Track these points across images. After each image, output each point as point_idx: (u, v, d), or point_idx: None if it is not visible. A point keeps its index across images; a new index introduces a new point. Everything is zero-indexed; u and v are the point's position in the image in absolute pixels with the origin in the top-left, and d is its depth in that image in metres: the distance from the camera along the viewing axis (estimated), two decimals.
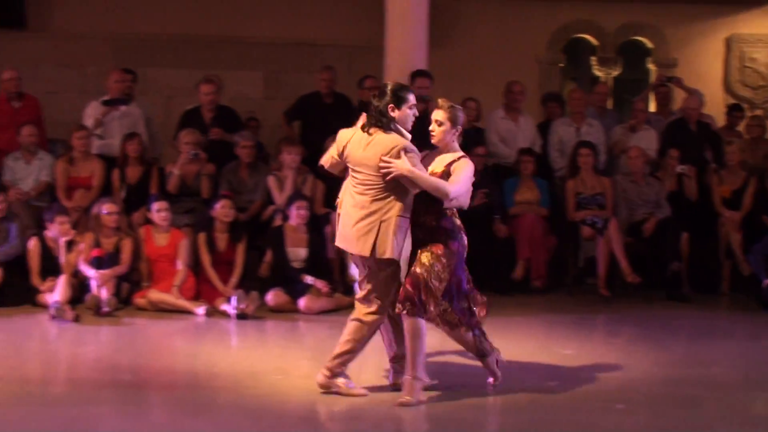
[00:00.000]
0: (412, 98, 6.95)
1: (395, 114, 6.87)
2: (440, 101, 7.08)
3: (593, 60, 15.23)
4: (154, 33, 14.38)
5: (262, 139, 12.47)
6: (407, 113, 6.91)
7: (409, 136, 6.93)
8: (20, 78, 12.10)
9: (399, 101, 6.88)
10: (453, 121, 6.97)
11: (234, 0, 14.53)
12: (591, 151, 11.74)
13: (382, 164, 6.75)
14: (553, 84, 14.81)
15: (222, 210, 10.47)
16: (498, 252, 11.47)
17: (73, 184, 11.33)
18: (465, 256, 7.12)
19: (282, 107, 13.06)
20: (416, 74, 11.41)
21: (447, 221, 6.98)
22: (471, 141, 11.68)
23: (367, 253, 6.83)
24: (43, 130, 12.02)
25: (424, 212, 6.94)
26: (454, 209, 7.02)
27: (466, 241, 7.09)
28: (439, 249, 6.91)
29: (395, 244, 6.81)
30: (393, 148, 6.76)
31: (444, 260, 6.92)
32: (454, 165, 6.98)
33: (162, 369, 8.15)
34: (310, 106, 12.36)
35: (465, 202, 7.07)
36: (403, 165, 6.72)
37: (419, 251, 6.93)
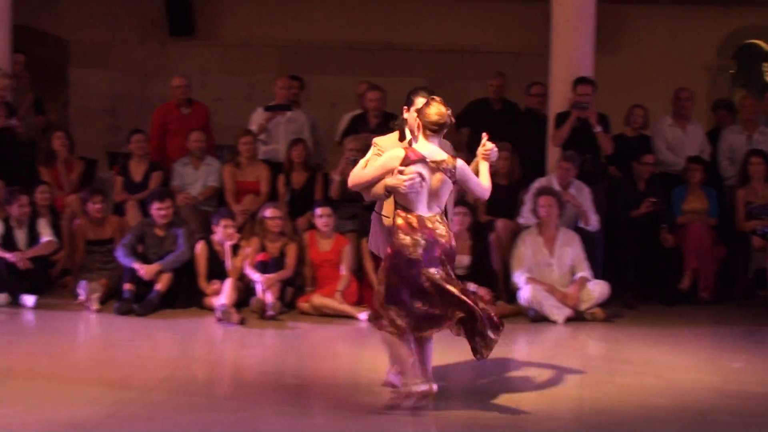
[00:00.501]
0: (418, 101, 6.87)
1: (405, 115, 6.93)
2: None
3: (765, 66, 14.80)
4: (319, 40, 14.54)
5: None
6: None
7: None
8: (189, 85, 12.37)
9: (408, 103, 6.95)
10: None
11: (398, 8, 14.59)
12: (763, 160, 11.40)
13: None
14: (722, 91, 14.46)
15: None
16: (664, 262, 11.22)
17: (240, 188, 11.52)
18: (408, 259, 6.68)
19: None
20: (578, 81, 11.27)
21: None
22: (638, 149, 11.49)
23: None
24: (211, 136, 12.26)
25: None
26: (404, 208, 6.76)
27: (404, 242, 6.68)
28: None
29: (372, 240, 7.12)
30: None
31: (384, 263, 6.79)
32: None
33: (325, 373, 8.19)
34: (479, 113, 12.29)
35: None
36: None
37: None
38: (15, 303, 10.28)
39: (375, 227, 7.08)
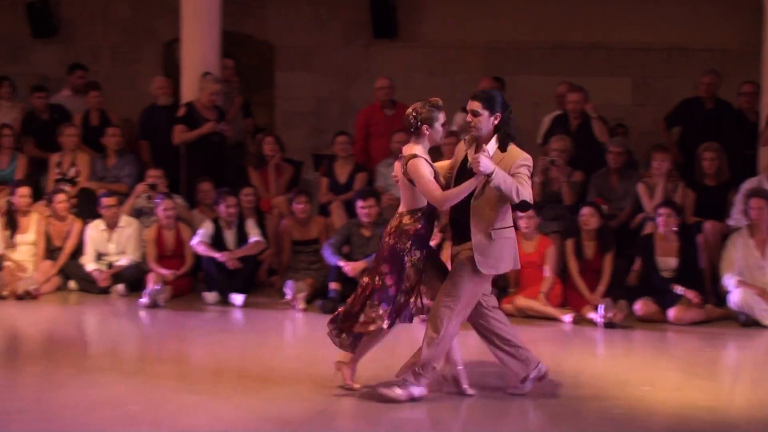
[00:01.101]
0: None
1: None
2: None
3: None
4: (522, 41, 14.44)
5: (631, 145, 12.22)
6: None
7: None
8: (393, 86, 12.48)
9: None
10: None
11: (602, 6, 14.36)
12: None
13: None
14: None
15: (583, 218, 10.34)
16: None
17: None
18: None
19: (651, 114, 12.78)
20: None
21: None
22: None
23: None
24: None
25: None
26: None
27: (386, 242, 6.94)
28: None
29: None
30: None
31: None
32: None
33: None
34: (690, 112, 12.00)
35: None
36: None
37: None
38: (224, 302, 10.57)
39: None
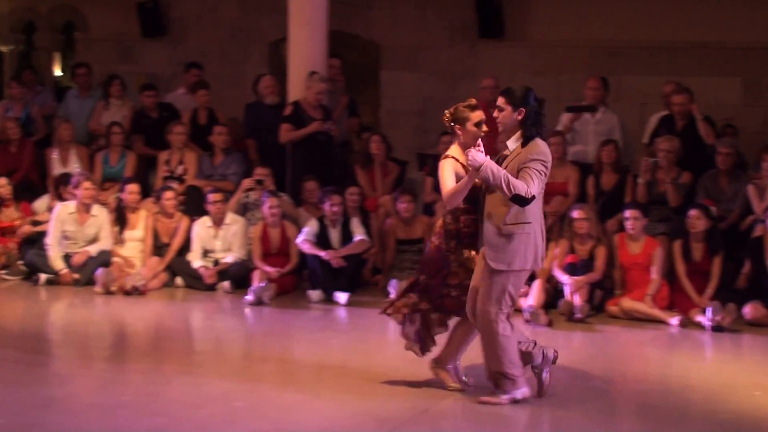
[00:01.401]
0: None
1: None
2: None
3: None
4: (628, 40, 14.27)
5: (740, 146, 11.99)
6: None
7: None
8: (498, 86, 12.38)
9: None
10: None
11: (710, 5, 14.12)
12: None
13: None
14: None
15: (690, 220, 10.17)
16: None
17: (549, 189, 11.39)
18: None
19: (762, 114, 12.56)
20: None
21: None
22: None
23: None
24: None
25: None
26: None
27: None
28: None
29: None
30: None
31: None
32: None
33: (634, 377, 8.07)
34: None
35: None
36: None
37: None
38: (328, 300, 10.62)
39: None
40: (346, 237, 11.00)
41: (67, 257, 11.26)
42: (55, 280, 11.14)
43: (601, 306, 10.22)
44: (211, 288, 11.08)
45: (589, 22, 14.47)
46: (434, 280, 7.05)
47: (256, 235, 11.24)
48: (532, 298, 9.84)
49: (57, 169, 12.59)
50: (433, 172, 11.82)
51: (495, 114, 6.83)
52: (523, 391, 6.86)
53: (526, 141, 6.68)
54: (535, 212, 6.68)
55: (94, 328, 9.59)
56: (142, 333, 9.66)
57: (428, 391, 7.16)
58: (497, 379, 6.85)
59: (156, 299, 10.80)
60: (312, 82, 12.03)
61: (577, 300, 9.85)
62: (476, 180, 6.67)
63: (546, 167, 6.61)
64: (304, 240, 10.88)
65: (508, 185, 6.46)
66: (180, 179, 12.29)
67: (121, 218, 11.49)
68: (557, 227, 10.99)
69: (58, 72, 18.34)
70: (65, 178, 11.94)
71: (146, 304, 10.58)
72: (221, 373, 7.67)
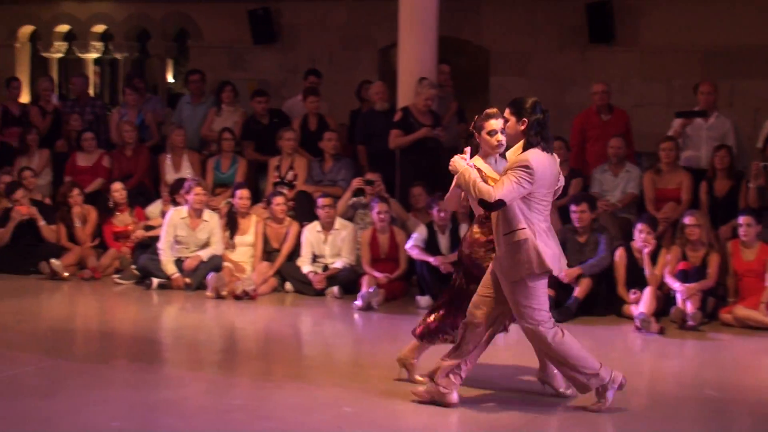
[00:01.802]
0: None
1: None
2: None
3: None
4: (741, 44, 14.02)
5: None
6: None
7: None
8: (609, 91, 12.30)
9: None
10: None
11: None
12: None
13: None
14: None
15: None
16: None
17: (660, 195, 11.30)
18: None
19: None
20: None
21: None
22: None
23: None
24: (630, 143, 12.12)
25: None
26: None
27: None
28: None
29: None
30: None
31: None
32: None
33: (747, 386, 7.90)
34: None
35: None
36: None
37: None
38: None
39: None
40: (455, 243, 10.97)
41: (179, 262, 11.43)
42: (167, 285, 11.33)
43: (713, 314, 10.04)
44: (320, 293, 11.15)
45: (701, 26, 14.25)
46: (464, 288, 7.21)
47: (365, 241, 11.28)
48: (644, 305, 9.72)
49: (169, 175, 12.82)
50: None
51: (502, 126, 6.95)
52: (611, 377, 6.78)
53: (525, 150, 6.71)
54: (530, 216, 6.64)
55: (204, 333, 9.72)
56: (252, 337, 9.76)
57: (539, 399, 7.12)
58: (582, 386, 6.80)
59: (266, 304, 10.90)
60: (421, 88, 12.04)
61: (690, 307, 9.70)
62: None
63: (529, 174, 6.52)
64: (412, 246, 10.90)
65: (474, 188, 6.58)
66: (290, 185, 12.40)
67: (232, 223, 11.64)
68: (669, 234, 10.84)
69: (170, 79, 18.64)
70: (179, 184, 12.14)
71: (256, 308, 10.69)
72: (330, 379, 7.72)
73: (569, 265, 10.25)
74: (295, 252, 11.51)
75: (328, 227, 11.43)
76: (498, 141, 6.95)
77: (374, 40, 15.71)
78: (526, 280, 6.61)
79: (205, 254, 11.42)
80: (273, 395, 7.25)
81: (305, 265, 11.33)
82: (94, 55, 18.40)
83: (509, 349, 8.19)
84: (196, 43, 17.07)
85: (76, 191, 12.31)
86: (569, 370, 6.77)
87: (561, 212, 11.19)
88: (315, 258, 11.41)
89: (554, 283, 10.16)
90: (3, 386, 7.29)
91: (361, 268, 11.27)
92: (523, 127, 6.74)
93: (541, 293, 6.73)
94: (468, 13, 15.26)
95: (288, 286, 11.42)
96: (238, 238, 11.61)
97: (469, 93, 14.93)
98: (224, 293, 10.91)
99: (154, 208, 12.48)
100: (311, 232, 11.46)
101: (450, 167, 6.76)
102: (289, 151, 12.53)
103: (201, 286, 11.21)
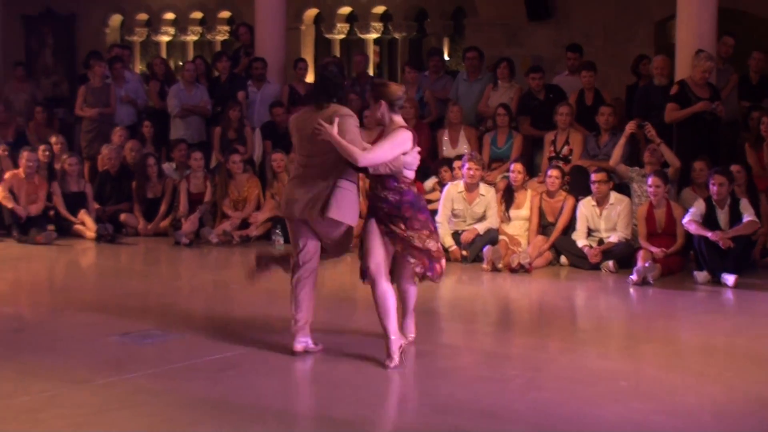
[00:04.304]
0: None
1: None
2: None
3: None
4: None
5: None
6: None
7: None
8: None
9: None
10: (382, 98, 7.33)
11: None
12: None
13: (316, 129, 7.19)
14: None
15: None
16: None
17: None
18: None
19: None
20: None
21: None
22: None
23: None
24: None
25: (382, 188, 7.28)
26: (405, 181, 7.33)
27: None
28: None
29: None
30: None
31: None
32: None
33: None
34: None
35: (385, 169, 7.24)
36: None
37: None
38: (715, 281, 10.42)
39: (351, 195, 7.33)
40: (735, 217, 10.73)
41: (456, 234, 11.68)
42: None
43: None
44: (596, 267, 11.14)
45: None
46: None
47: (641, 215, 11.19)
48: None
49: (447, 151, 13.10)
50: None
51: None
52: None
53: None
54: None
55: (480, 304, 9.93)
56: (526, 310, 9.89)
57: None
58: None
59: (541, 277, 11.00)
60: (699, 61, 11.81)
61: None
62: None
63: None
64: (690, 220, 10.73)
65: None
66: (566, 159, 12.43)
67: (508, 197, 11.78)
68: None
69: (445, 57, 18.95)
70: (444, 162, 12.47)
71: (531, 281, 10.80)
72: (605, 352, 7.76)
73: None
74: (571, 226, 11.55)
75: (602, 202, 11.40)
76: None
77: (651, 12, 15.47)
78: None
79: (481, 227, 11.61)
80: (548, 367, 7.36)
81: (580, 239, 11.35)
82: (374, 36, 18.91)
83: None
84: (473, 20, 17.28)
85: None
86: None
87: None
88: (590, 232, 11.41)
89: None
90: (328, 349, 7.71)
91: (636, 243, 11.19)
92: None
93: None
94: None
95: (563, 259, 11.48)
96: (513, 212, 11.75)
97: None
98: (500, 266, 11.07)
99: (429, 183, 12.78)
100: (586, 206, 11.47)
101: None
102: (564, 126, 12.55)
103: (477, 258, 11.42)
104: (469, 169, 11.62)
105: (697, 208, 10.77)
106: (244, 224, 13.14)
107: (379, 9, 18.56)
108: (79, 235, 13.13)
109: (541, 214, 11.68)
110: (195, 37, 20.34)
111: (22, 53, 20.17)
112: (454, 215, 11.77)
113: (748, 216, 10.68)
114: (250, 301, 9.17)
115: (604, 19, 15.83)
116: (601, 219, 11.40)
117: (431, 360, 7.49)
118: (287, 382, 7.10)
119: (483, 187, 11.79)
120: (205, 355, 7.50)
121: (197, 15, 20.16)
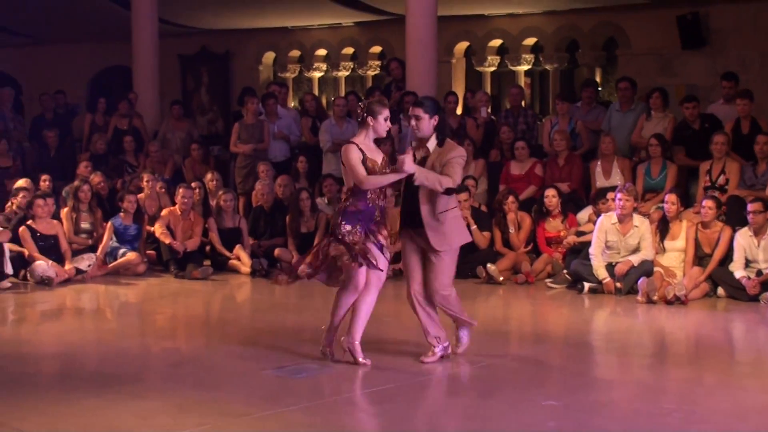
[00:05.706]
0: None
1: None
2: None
3: None
4: None
5: None
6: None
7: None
8: None
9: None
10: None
11: None
12: None
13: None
14: None
15: None
16: None
17: None
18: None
19: None
20: None
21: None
22: None
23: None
24: None
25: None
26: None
27: None
28: None
29: None
30: None
31: None
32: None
33: None
34: None
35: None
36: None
37: None
38: None
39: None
40: None
41: (610, 266, 11.58)
42: (598, 289, 11.50)
43: None
44: (754, 299, 10.91)
45: None
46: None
47: None
48: None
49: (599, 182, 13.00)
50: None
51: (412, 123, 7.96)
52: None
53: (441, 142, 8.00)
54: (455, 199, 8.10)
55: (635, 336, 9.82)
56: (682, 342, 9.75)
57: None
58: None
59: (697, 309, 10.82)
60: None
61: None
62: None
63: (463, 161, 7.96)
64: None
65: (440, 184, 7.82)
66: (722, 189, 12.22)
67: (662, 228, 11.64)
68: None
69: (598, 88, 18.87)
70: (602, 193, 12.35)
71: (687, 313, 10.64)
72: (764, 386, 7.60)
73: None
74: (728, 257, 11.34)
75: (760, 232, 11.17)
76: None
77: None
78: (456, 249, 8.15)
79: (635, 259, 11.49)
80: (705, 401, 7.25)
81: (738, 270, 11.13)
82: (525, 67, 18.92)
83: None
84: (625, 51, 17.18)
85: (511, 198, 12.79)
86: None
87: None
88: (748, 263, 11.18)
89: None
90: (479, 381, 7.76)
91: None
92: (435, 123, 7.93)
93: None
94: None
95: (720, 291, 11.27)
96: (668, 243, 11.59)
97: None
98: (655, 298, 10.93)
99: (583, 215, 12.71)
100: (744, 236, 11.25)
101: (405, 168, 7.80)
102: (720, 156, 12.35)
103: (632, 290, 11.30)
104: (620, 200, 11.53)
105: None
106: (397, 257, 13.25)
107: (530, 41, 18.58)
108: (235, 270, 13.34)
109: (697, 245, 11.49)
110: (346, 73, 20.66)
111: (179, 92, 20.81)
112: (608, 247, 11.67)
113: None
114: (403, 332, 9.25)
115: (760, 47, 15.54)
116: (759, 249, 11.16)
117: (585, 393, 7.45)
118: (439, 415, 7.15)
119: (637, 219, 11.67)
120: (359, 388, 7.61)
121: (348, 50, 20.47)
